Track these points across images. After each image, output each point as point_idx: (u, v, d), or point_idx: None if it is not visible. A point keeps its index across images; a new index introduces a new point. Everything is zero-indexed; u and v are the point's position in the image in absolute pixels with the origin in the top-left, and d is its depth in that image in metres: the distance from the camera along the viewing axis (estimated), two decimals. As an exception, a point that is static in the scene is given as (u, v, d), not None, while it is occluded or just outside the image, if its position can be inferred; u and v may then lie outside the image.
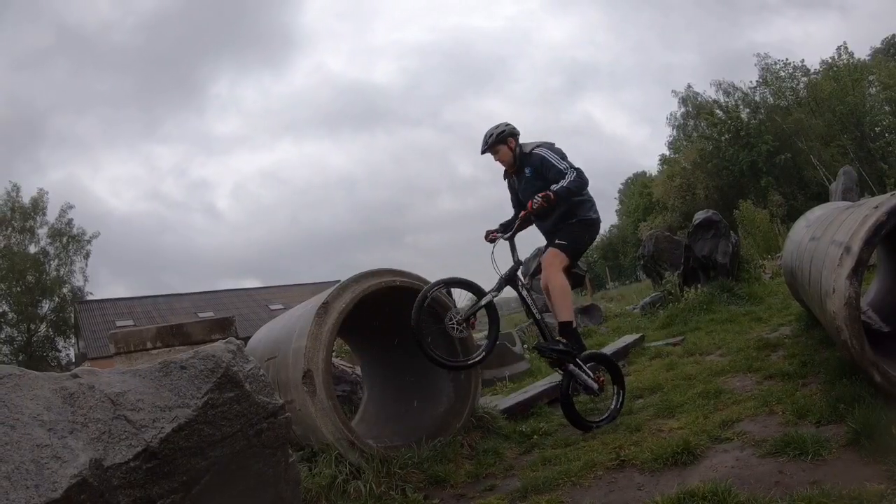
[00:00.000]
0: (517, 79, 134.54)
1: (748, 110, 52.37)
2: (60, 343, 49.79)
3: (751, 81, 52.95)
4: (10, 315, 46.96)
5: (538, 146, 5.91)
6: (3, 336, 44.96)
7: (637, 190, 68.50)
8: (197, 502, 2.68)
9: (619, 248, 72.27)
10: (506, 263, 5.69)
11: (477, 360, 5.45)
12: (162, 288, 48.52)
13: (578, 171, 5.64)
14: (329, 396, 4.92)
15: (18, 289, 46.50)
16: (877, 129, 47.86)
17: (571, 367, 5.52)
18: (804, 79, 51.26)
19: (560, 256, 5.70)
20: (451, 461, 5.06)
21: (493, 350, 5.56)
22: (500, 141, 5.92)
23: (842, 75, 49.54)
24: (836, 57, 51.24)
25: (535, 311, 5.77)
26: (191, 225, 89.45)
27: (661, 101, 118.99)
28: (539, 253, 16.35)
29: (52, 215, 49.06)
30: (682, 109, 55.92)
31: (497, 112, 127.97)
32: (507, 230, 5.83)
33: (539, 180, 5.73)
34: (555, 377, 7.23)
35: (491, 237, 5.87)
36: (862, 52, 52.50)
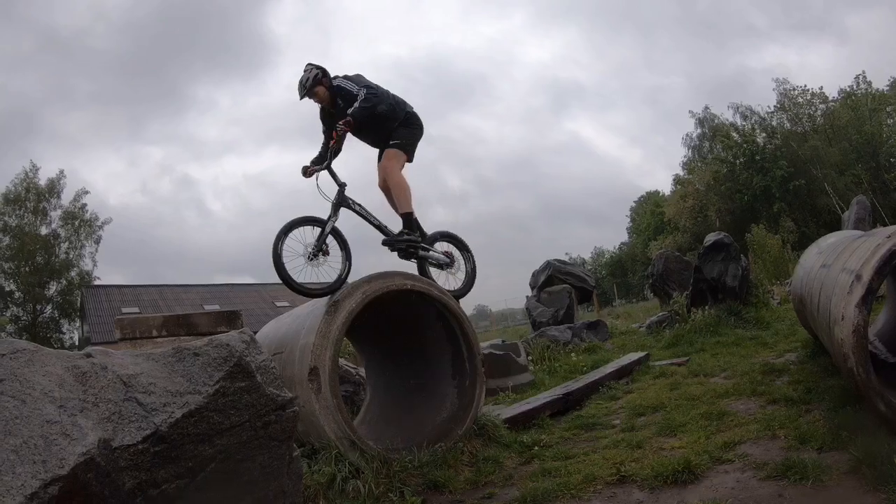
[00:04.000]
0: (499, 97, 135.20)
1: (764, 135, 52.16)
2: (65, 325, 49.82)
3: (768, 106, 52.88)
4: (17, 294, 47.03)
5: (338, 77, 6.39)
6: (8, 315, 44.94)
7: (649, 209, 68.36)
8: (201, 489, 2.70)
9: (627, 265, 72.11)
10: (332, 190, 6.06)
11: (343, 276, 5.75)
12: (155, 279, 48.74)
13: (369, 87, 6.21)
14: (334, 395, 4.94)
15: (27, 269, 46.57)
16: (892, 160, 47.58)
17: (421, 252, 6.31)
18: (822, 106, 51.03)
19: (398, 155, 6.35)
20: (451, 467, 5.07)
21: (350, 269, 5.83)
22: (317, 83, 6.29)
23: (860, 104, 49.39)
24: (855, 86, 51.04)
25: (371, 218, 6.22)
26: (183, 221, 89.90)
27: (650, 124, 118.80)
28: (545, 267, 16.45)
29: (65, 199, 49.36)
30: (699, 130, 55.83)
31: (480, 128, 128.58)
32: (322, 161, 6.20)
33: (348, 108, 6.12)
34: (557, 389, 7.27)
35: (310, 172, 6.14)
36: (881, 83, 52.30)
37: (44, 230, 47.95)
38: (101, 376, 2.65)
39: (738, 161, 51.27)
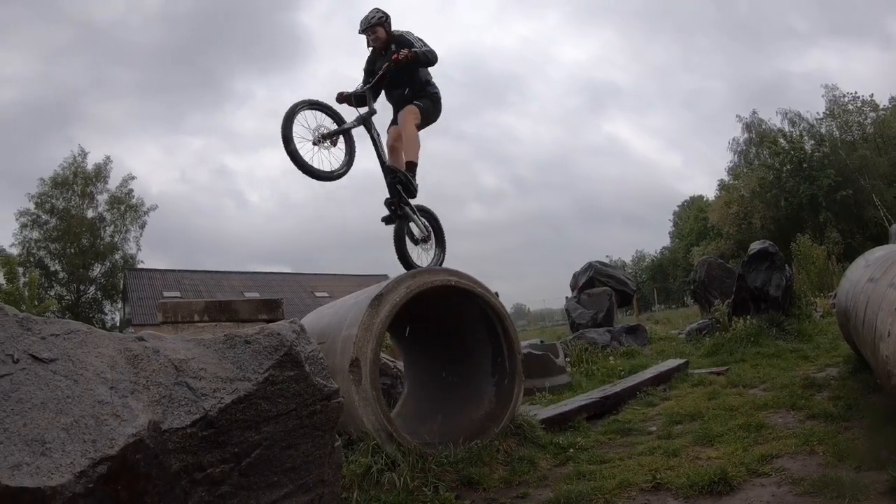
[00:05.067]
0: (534, 96, 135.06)
1: (813, 142, 51.02)
2: (107, 307, 50.97)
3: (817, 112, 51.73)
4: (62, 274, 48.19)
5: (403, 32, 6.74)
6: (53, 294, 46.03)
7: (693, 214, 67.57)
8: (245, 474, 2.75)
9: (668, 270, 71.44)
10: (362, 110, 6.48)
11: (342, 171, 6.15)
12: (194, 265, 49.85)
13: (432, 49, 6.57)
14: (374, 387, 4.98)
15: (72, 250, 47.66)
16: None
17: (408, 209, 6.54)
18: (872, 114, 49.80)
19: (415, 112, 6.52)
20: (485, 464, 5.07)
21: (351, 165, 6.24)
22: (380, 23, 6.67)
23: (911, 114, 48.22)
24: (907, 94, 49.77)
25: (381, 150, 6.54)
26: (221, 210, 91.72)
27: (689, 127, 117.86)
28: (587, 268, 16.37)
29: (112, 184, 50.42)
30: (745, 135, 54.86)
31: (515, 127, 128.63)
32: (360, 97, 6.56)
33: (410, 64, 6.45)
34: (594, 393, 7.24)
35: (344, 96, 6.55)
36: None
37: (90, 213, 49.05)
38: (153, 360, 2.71)
39: (784, 168, 50.28)
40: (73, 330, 2.73)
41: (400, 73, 6.47)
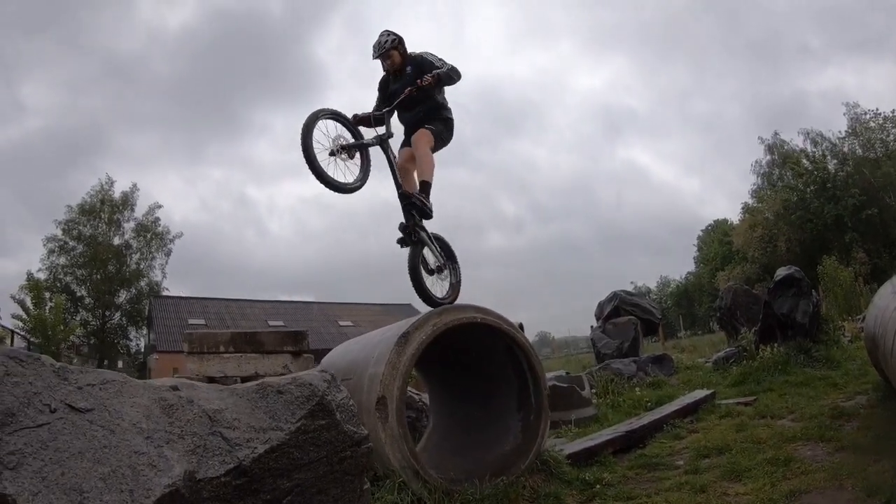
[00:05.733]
0: (550, 124, 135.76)
1: (836, 161, 50.39)
2: (132, 332, 51.64)
3: (839, 131, 51.19)
4: (88, 300, 48.79)
5: (421, 52, 6.69)
6: (78, 318, 46.58)
7: (717, 238, 67.01)
8: (276, 521, 2.81)
9: (694, 296, 70.72)
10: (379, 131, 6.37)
11: (356, 185, 5.96)
12: (216, 292, 50.53)
13: (454, 65, 6.53)
14: (400, 424, 5.01)
15: (98, 276, 48.32)
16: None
17: (424, 234, 6.32)
18: (895, 130, 49.34)
19: (429, 136, 6.38)
20: (511, 501, 5.05)
21: (364, 182, 6.06)
22: (394, 47, 6.58)
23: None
24: (931, 110, 49.15)
25: (397, 174, 6.35)
26: (243, 239, 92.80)
27: (708, 151, 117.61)
28: (612, 298, 16.33)
29: (138, 212, 51.28)
30: (768, 157, 54.40)
31: (533, 155, 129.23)
32: (377, 118, 6.41)
33: (417, 77, 6.37)
34: (620, 426, 7.21)
35: (360, 118, 6.30)
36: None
37: (116, 240, 49.82)
38: (188, 409, 2.78)
39: (808, 189, 49.74)
40: (108, 380, 2.80)
41: (416, 94, 6.39)
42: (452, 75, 6.48)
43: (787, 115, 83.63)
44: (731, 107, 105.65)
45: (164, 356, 40.78)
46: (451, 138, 6.75)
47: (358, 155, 6.05)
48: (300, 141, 5.55)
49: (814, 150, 51.79)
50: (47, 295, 34.14)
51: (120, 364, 50.18)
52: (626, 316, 15.19)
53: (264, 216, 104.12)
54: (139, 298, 50.08)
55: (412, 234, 6.28)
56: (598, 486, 5.44)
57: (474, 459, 5.85)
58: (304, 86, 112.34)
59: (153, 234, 50.90)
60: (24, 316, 31.81)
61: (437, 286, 6.51)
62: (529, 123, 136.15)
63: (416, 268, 6.21)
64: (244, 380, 11.14)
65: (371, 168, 6.11)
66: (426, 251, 6.40)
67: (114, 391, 2.77)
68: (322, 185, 5.76)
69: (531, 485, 5.39)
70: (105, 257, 48.25)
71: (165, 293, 49.49)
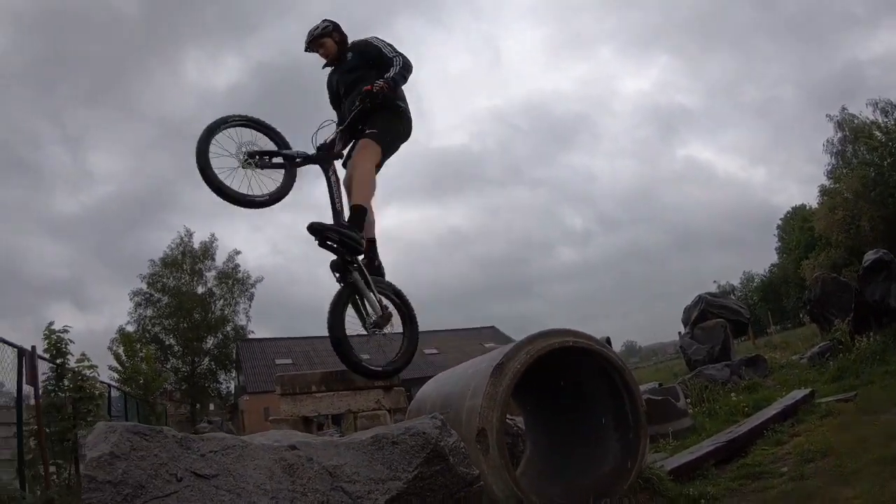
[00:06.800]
0: (603, 133, 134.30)
1: (910, 129, 48.20)
2: (222, 376, 53.57)
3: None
4: (177, 348, 50.90)
5: (366, 38, 5.83)
6: (169, 366, 48.31)
7: (797, 225, 65.04)
8: (399, 567, 2.96)
9: (780, 289, 68.69)
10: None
11: (263, 199, 4.90)
12: (297, 332, 51.82)
13: (404, 56, 5.56)
14: (501, 455, 5.03)
15: (185, 325, 50.31)
16: None
17: (356, 275, 5.02)
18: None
19: (371, 149, 5.30)
20: None
21: (283, 196, 5.00)
22: (325, 34, 5.75)
23: None
24: None
25: (336, 199, 5.20)
26: (317, 278, 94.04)
27: (769, 137, 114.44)
28: (697, 302, 16.07)
29: (218, 260, 53.13)
30: (839, 134, 52.27)
31: (590, 166, 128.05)
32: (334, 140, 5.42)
33: (362, 68, 5.58)
34: (720, 436, 7.14)
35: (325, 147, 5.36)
36: None
37: (200, 289, 51.71)
38: (308, 468, 2.94)
39: (885, 162, 47.55)
40: (229, 445, 2.97)
41: (360, 80, 5.46)
42: (405, 74, 5.52)
43: (845, 88, 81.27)
44: (784, 89, 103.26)
45: (253, 397, 41.89)
46: (407, 131, 5.70)
47: (282, 169, 5.04)
48: (196, 146, 4.61)
49: (885, 120, 49.59)
50: (138, 346, 35.51)
51: (211, 407, 51.82)
52: (713, 319, 14.94)
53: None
54: (226, 343, 51.82)
55: (343, 274, 5.09)
56: (702, 502, 5.39)
57: (575, 482, 5.85)
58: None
59: (234, 280, 52.61)
60: (119, 368, 33.19)
61: (377, 350, 5.40)
62: (582, 135, 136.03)
63: (338, 316, 4.97)
64: (336, 417, 11.42)
65: (292, 186, 5.07)
66: (364, 300, 5.16)
67: (235, 456, 2.94)
68: (220, 198, 4.76)
69: None
70: (190, 306, 50.20)
71: (251, 336, 51.10)
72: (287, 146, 5.08)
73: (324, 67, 5.95)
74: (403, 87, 5.67)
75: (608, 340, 6.20)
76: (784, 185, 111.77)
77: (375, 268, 5.36)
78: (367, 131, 5.34)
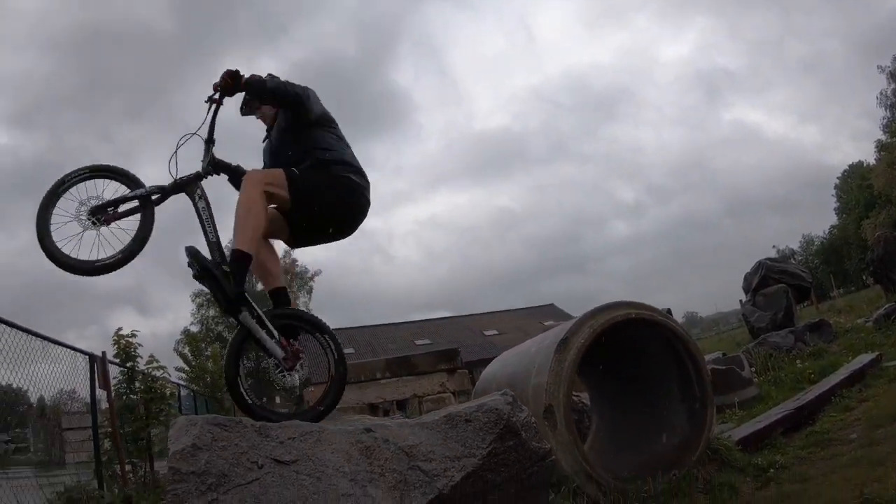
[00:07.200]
0: (647, 103, 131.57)
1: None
2: (287, 370, 54.66)
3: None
4: (240, 345, 52.28)
5: None
6: (234, 363, 49.79)
7: (855, 183, 63.14)
8: (472, 541, 3.05)
9: (841, 250, 66.95)
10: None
11: (115, 259, 3.93)
12: (358, 321, 52.50)
13: (297, 85, 4.24)
14: (569, 431, 5.10)
15: (296, 340, 51.49)
16: None
17: (246, 314, 4.01)
18: None
19: (279, 177, 4.11)
20: (685, 495, 5.00)
21: (142, 245, 4.01)
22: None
23: None
24: None
25: (208, 229, 4.10)
26: (371, 268, 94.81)
27: (818, 94, 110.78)
28: (757, 268, 15.76)
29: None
30: (893, 85, 50.23)
31: (637, 137, 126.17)
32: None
33: (287, 121, 4.38)
34: (787, 404, 7.07)
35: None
36: None
37: (259, 287, 52.59)
38: (384, 449, 3.03)
39: (943, 112, 45.64)
40: (307, 431, 3.08)
41: (283, 130, 4.39)
42: (270, 84, 4.15)
43: (892, 37, 78.04)
44: (829, 42, 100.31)
45: (318, 387, 42.49)
46: (340, 205, 4.30)
47: (133, 211, 4.06)
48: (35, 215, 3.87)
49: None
50: (202, 345, 36.37)
51: (277, 400, 52.89)
52: (775, 285, 14.67)
53: (385, 244, 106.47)
54: (288, 337, 52.94)
55: (234, 315, 4.06)
56: (771, 471, 5.33)
57: (642, 455, 5.89)
58: (393, 112, 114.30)
59: (293, 276, 53.46)
60: (186, 368, 34.03)
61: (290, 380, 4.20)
62: (625, 106, 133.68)
63: (228, 359, 4.17)
64: (400, 403, 11.66)
65: (152, 228, 4.07)
66: (260, 339, 4.10)
67: (313, 441, 3.04)
68: (66, 271, 3.92)
69: (703, 476, 5.31)
70: (252, 305, 51.41)
71: (312, 329, 51.95)
72: (138, 185, 4.09)
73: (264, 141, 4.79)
74: (350, 152, 4.46)
75: (669, 312, 6.13)
76: (838, 143, 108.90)
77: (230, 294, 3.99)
78: (289, 168, 4.19)
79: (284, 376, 4.15)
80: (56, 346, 8.04)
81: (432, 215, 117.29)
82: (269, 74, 4.28)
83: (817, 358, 10.18)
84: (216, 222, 4.12)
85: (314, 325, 4.30)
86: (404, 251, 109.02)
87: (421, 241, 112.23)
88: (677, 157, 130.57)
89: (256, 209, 3.99)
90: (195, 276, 3.98)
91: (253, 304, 4.07)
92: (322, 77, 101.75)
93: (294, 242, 4.59)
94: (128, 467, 9.31)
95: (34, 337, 7.21)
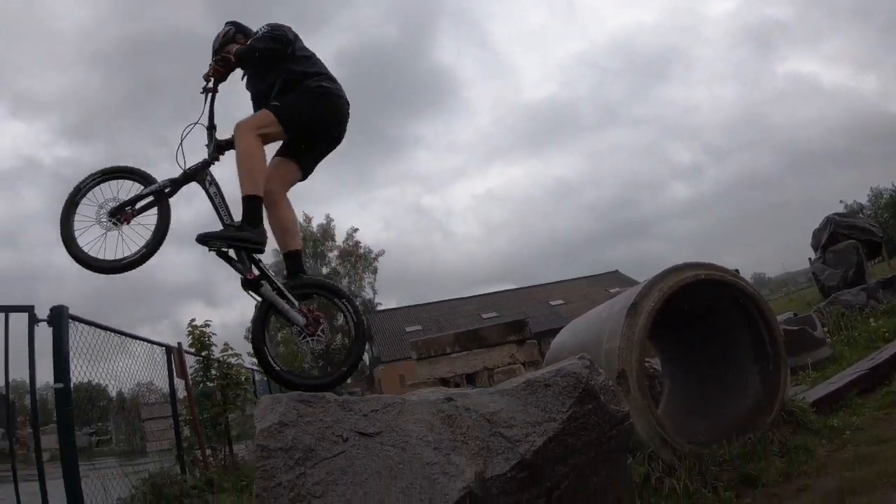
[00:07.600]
0: (697, 61, 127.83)
1: None
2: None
3: None
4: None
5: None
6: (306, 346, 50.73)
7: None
8: (554, 505, 3.13)
9: (914, 202, 64.69)
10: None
11: (129, 260, 4.17)
12: (422, 300, 53.13)
13: (271, 25, 4.56)
14: (643, 395, 5.10)
15: (315, 306, 52.36)
16: None
17: (265, 283, 4.27)
18: None
19: (265, 116, 4.37)
20: (761, 458, 4.94)
21: (149, 257, 4.23)
22: (229, 41, 4.66)
23: None
24: None
25: (222, 212, 4.36)
26: (432, 246, 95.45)
27: (874, 41, 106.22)
28: (826, 224, 15.36)
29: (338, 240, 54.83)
30: None
31: (690, 98, 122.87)
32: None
33: (262, 66, 4.57)
34: (862, 363, 6.94)
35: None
36: None
37: (324, 270, 53.38)
38: (466, 417, 3.12)
39: None
40: (389, 403, 3.19)
41: (259, 62, 4.53)
42: (259, 45, 4.44)
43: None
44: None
45: (388, 366, 43.26)
46: (325, 117, 4.61)
47: (150, 206, 4.32)
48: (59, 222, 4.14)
49: None
50: (273, 332, 37.26)
51: (349, 380, 53.79)
52: (844, 241, 14.31)
53: (444, 220, 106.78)
54: (356, 317, 53.90)
55: (250, 284, 4.32)
56: (847, 433, 5.24)
57: (716, 419, 5.85)
58: (440, 91, 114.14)
59: (356, 257, 54.14)
60: (259, 353, 34.86)
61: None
62: (674, 66, 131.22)
63: (255, 331, 4.44)
64: (469, 377, 11.80)
65: (170, 222, 4.31)
66: (281, 309, 4.37)
67: (396, 412, 3.15)
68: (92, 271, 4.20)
69: (779, 439, 5.25)
70: (317, 287, 52.47)
71: (379, 308, 52.53)
72: (151, 181, 4.33)
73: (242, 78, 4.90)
74: (321, 63, 4.76)
75: (737, 271, 6.04)
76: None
77: (252, 240, 4.30)
78: (272, 103, 4.45)
79: (308, 342, 4.45)
80: (132, 341, 8.40)
81: (489, 189, 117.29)
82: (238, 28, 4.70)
83: (891, 316, 9.93)
84: (229, 205, 4.38)
85: (332, 291, 4.72)
86: (463, 227, 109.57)
87: (479, 216, 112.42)
88: (732, 115, 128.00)
89: (255, 154, 4.29)
90: (217, 254, 4.25)
91: (272, 276, 4.36)
92: (366, 61, 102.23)
93: (304, 171, 4.78)
94: (208, 452, 9.65)
95: (112, 334, 7.50)
